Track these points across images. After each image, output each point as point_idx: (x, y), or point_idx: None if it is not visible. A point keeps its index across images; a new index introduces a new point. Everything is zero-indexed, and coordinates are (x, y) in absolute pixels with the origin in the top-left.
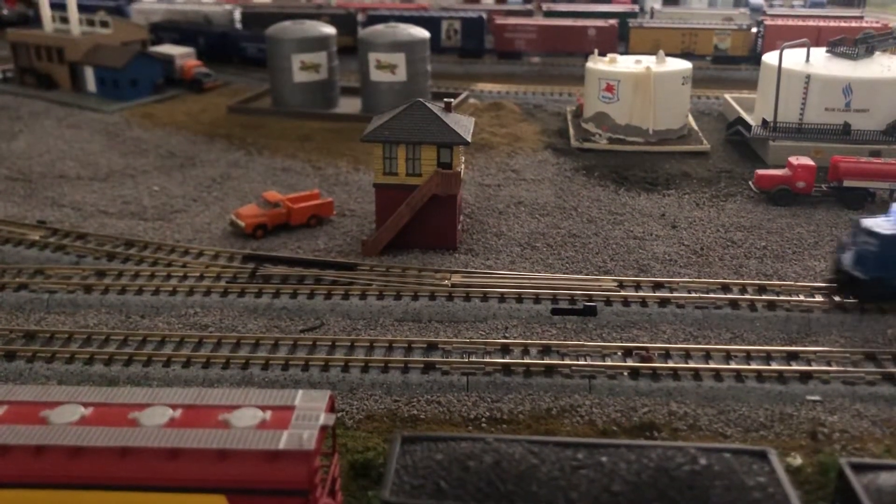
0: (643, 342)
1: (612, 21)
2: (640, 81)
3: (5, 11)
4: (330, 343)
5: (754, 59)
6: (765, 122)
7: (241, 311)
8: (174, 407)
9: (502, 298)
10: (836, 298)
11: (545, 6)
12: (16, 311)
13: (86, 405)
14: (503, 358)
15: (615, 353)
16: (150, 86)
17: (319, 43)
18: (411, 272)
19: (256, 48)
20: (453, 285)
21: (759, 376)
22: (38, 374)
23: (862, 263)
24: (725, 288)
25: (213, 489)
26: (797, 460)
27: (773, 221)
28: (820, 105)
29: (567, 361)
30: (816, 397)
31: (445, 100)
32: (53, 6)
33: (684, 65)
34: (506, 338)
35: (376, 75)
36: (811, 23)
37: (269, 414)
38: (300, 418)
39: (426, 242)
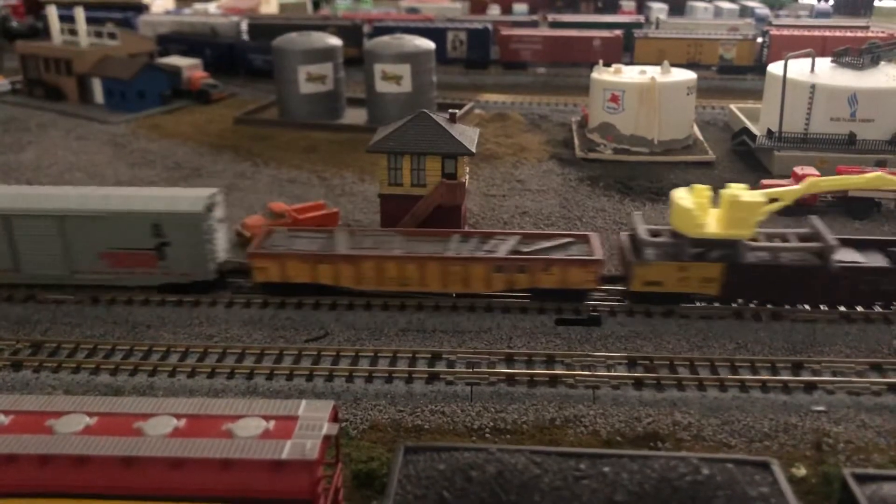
0: (647, 352)
1: (618, 32)
2: (645, 92)
3: (15, 24)
4: (334, 353)
5: (759, 69)
6: (770, 132)
7: (245, 321)
8: (178, 417)
9: (506, 309)
10: None
11: (550, 17)
12: (23, 322)
13: (91, 415)
14: (507, 368)
15: (619, 364)
16: (158, 97)
17: (325, 54)
18: None
19: (263, 59)
20: (457, 295)
21: (764, 386)
22: (44, 383)
23: None
24: None
25: (216, 498)
26: (801, 471)
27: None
28: (825, 115)
29: (571, 372)
30: (821, 408)
31: (451, 110)
32: (62, 18)
33: (689, 75)
34: (510, 348)
35: (382, 86)
36: (816, 33)
37: (272, 424)
38: (303, 428)
39: None
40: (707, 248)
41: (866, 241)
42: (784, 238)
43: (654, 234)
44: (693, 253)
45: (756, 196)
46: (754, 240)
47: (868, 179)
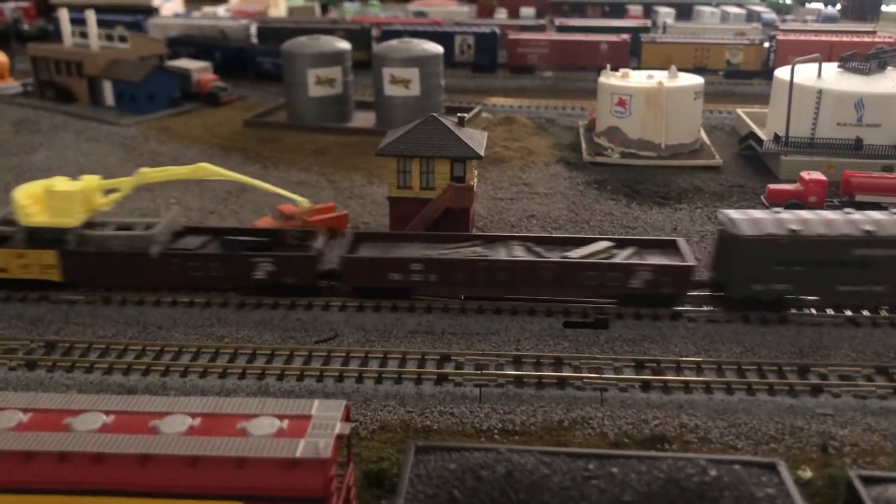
0: (654, 355)
1: (625, 36)
2: (652, 96)
3: (26, 26)
4: (344, 354)
5: (766, 73)
6: (777, 136)
7: (256, 322)
8: (193, 415)
9: (514, 311)
10: None
11: (558, 21)
12: (36, 322)
13: (107, 413)
14: (515, 370)
15: (627, 366)
16: (167, 100)
17: (334, 58)
18: None
19: (272, 63)
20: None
21: (770, 390)
22: (58, 383)
23: None
24: None
25: (231, 496)
26: (807, 473)
27: None
28: (832, 120)
29: (579, 374)
30: (827, 411)
31: (459, 114)
32: (73, 21)
33: (696, 79)
34: (518, 350)
35: (390, 90)
36: (823, 38)
37: (286, 423)
38: (317, 427)
39: None
40: (41, 235)
41: (213, 229)
42: (129, 227)
43: (8, 222)
44: (29, 240)
45: (75, 186)
46: (104, 226)
47: (192, 169)
